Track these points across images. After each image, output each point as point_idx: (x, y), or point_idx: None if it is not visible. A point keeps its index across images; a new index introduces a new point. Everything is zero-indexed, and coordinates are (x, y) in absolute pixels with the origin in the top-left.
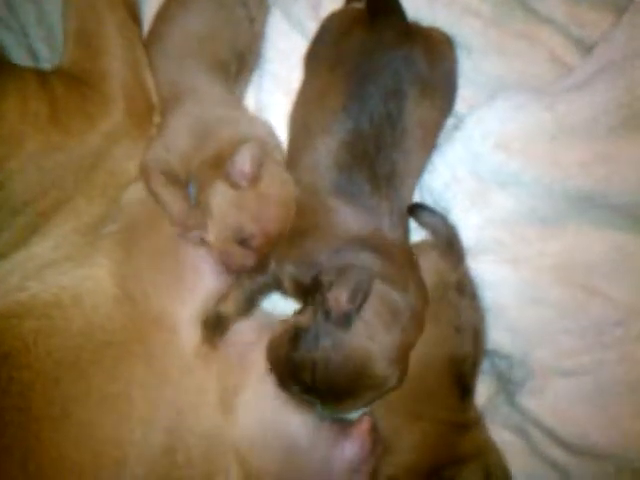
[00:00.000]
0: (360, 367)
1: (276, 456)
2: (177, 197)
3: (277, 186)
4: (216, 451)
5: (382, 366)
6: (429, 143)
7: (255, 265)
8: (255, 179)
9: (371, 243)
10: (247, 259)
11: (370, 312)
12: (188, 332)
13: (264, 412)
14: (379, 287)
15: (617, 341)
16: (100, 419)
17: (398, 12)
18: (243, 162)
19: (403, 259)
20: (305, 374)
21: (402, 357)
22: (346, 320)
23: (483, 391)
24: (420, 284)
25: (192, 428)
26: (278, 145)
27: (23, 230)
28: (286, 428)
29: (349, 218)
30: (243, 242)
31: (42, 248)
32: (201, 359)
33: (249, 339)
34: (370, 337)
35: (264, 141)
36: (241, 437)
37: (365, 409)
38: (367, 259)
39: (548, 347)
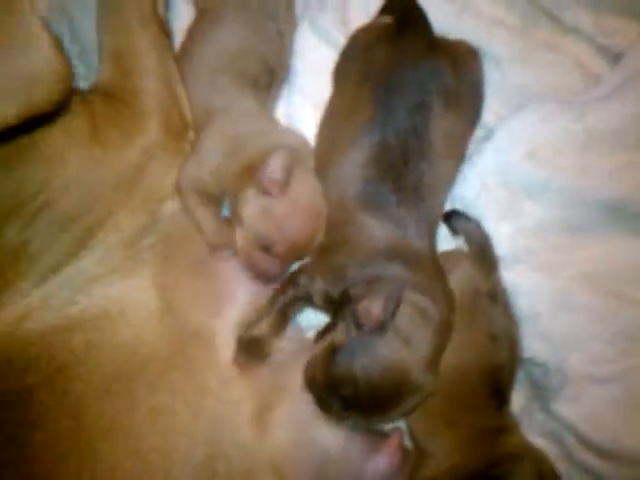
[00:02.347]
0: (399, 376)
1: (310, 470)
2: (209, 216)
3: (307, 194)
4: (254, 463)
5: (420, 372)
6: (456, 154)
7: (280, 274)
8: (284, 185)
9: (398, 254)
10: (270, 265)
11: (403, 320)
12: (225, 345)
13: (298, 427)
14: (409, 295)
15: None
16: (147, 430)
17: (425, 25)
18: (273, 169)
19: (430, 268)
20: (347, 390)
21: (436, 362)
22: (380, 330)
23: (517, 399)
24: (447, 293)
25: (231, 439)
26: (310, 155)
27: (71, 246)
28: (319, 443)
29: (376, 231)
30: (267, 249)
31: (88, 262)
32: (238, 372)
33: (283, 353)
34: (406, 345)
35: (295, 149)
36: (276, 451)
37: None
38: (395, 270)
39: (581, 354)
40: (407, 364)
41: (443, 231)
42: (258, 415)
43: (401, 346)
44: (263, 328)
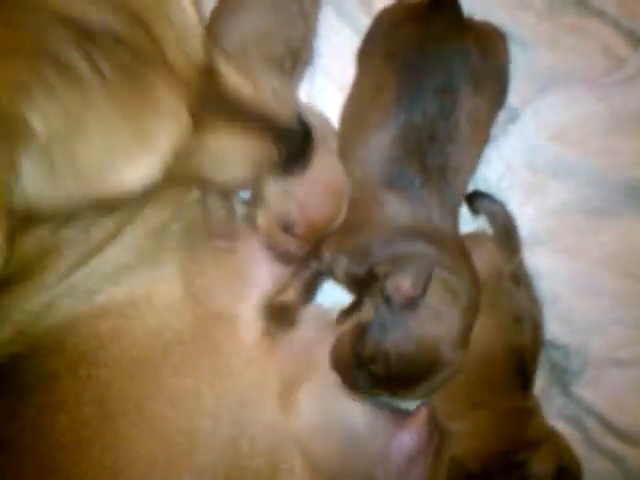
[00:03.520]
0: (431, 351)
1: (336, 446)
2: (218, 207)
3: (328, 174)
4: (279, 441)
5: (450, 349)
6: (481, 136)
7: (303, 254)
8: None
9: (423, 234)
10: (291, 245)
11: (433, 297)
12: (248, 326)
13: (324, 404)
14: (438, 272)
15: None
16: (171, 413)
17: (455, 6)
18: None
19: (455, 249)
20: (378, 367)
21: (465, 340)
22: (410, 306)
23: (537, 383)
24: (473, 273)
25: (255, 419)
26: (333, 135)
27: (100, 240)
28: (346, 419)
29: (400, 210)
30: (288, 229)
31: (115, 253)
32: (262, 352)
33: (307, 333)
34: (437, 321)
35: (317, 130)
36: (302, 428)
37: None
38: (421, 248)
39: (603, 337)
40: (438, 340)
41: (464, 212)
42: (282, 394)
43: (432, 322)
44: (290, 295)
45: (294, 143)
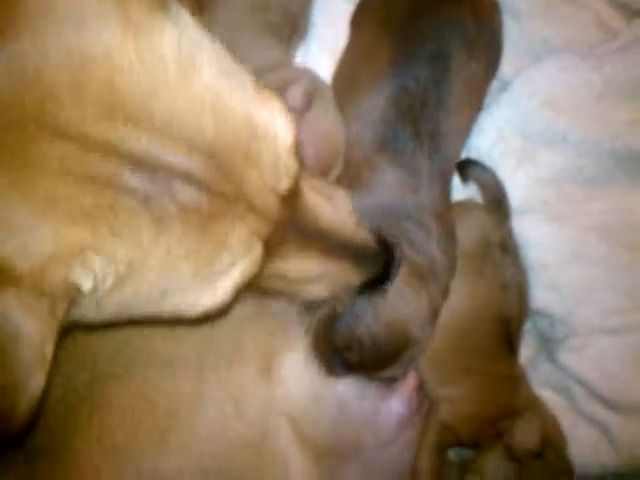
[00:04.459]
0: (400, 333)
1: (325, 413)
2: None
3: (326, 121)
4: (265, 409)
5: (418, 328)
6: (474, 104)
7: None
8: (304, 110)
9: (407, 209)
10: None
11: (401, 280)
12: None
13: (310, 372)
14: (409, 253)
15: None
16: (158, 376)
17: None
18: (294, 94)
19: (437, 226)
20: (351, 353)
21: (433, 319)
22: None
23: (524, 351)
24: (450, 254)
25: (239, 385)
26: (330, 91)
27: None
28: (333, 386)
29: (390, 177)
30: None
31: None
32: (245, 321)
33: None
34: (404, 303)
35: (316, 81)
36: (288, 396)
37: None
38: (401, 223)
39: (592, 305)
40: (408, 321)
41: (455, 181)
42: (266, 362)
43: (401, 305)
44: None
45: (374, 265)
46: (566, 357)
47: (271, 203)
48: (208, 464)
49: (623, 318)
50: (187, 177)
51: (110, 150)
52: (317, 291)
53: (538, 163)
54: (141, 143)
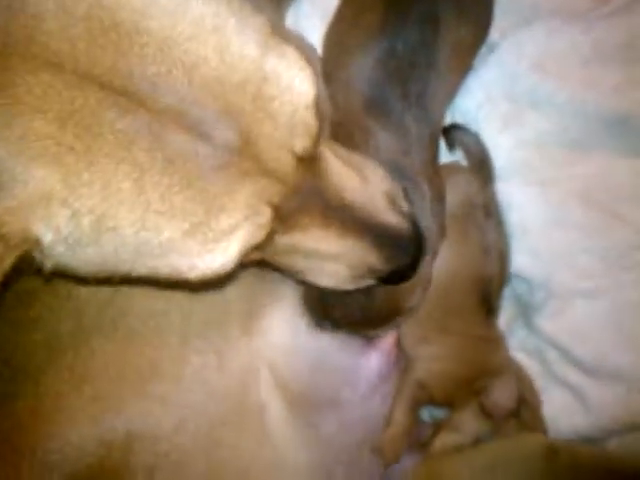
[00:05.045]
0: (391, 300)
1: (304, 365)
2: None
3: None
4: (246, 360)
5: (408, 297)
6: (462, 67)
7: None
8: None
9: (402, 168)
10: None
11: None
12: None
13: (290, 324)
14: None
15: (636, 264)
16: (142, 329)
17: None
18: None
19: (428, 188)
20: (343, 313)
21: (426, 286)
22: None
23: (501, 318)
24: (440, 217)
25: (222, 336)
26: (318, 61)
27: None
28: (314, 338)
29: (380, 139)
30: None
31: None
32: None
33: None
34: None
35: (304, 51)
36: (269, 347)
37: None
38: (402, 183)
39: (569, 269)
40: (403, 290)
41: (442, 147)
42: (248, 314)
43: None
44: None
45: (405, 254)
46: (542, 321)
47: (285, 163)
48: (189, 414)
49: (596, 281)
50: (182, 120)
51: (97, 82)
52: (338, 275)
53: (523, 126)
54: (133, 76)
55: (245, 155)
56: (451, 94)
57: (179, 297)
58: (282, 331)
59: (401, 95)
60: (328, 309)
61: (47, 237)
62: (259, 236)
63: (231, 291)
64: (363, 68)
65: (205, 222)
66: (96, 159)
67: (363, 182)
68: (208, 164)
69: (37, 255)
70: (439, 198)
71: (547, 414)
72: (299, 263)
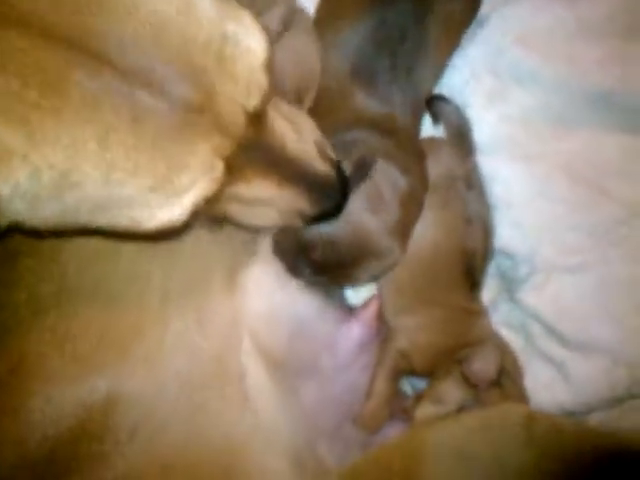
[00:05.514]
0: (364, 239)
1: (284, 330)
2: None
3: (300, 47)
4: (227, 323)
5: (384, 238)
6: (452, 44)
7: None
8: (278, 35)
9: (382, 126)
10: None
11: (372, 188)
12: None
13: (270, 288)
14: (382, 165)
15: (622, 240)
16: (124, 290)
17: None
18: (270, 20)
19: (410, 146)
20: (315, 253)
21: (403, 232)
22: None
23: (485, 294)
24: (423, 173)
25: (202, 298)
26: (311, 21)
27: None
28: (293, 304)
29: (364, 102)
30: None
31: None
32: (208, 237)
33: None
34: (372, 211)
35: (297, 11)
36: (249, 311)
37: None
38: (375, 139)
39: (554, 244)
40: (372, 228)
41: (427, 121)
42: (228, 278)
43: (368, 211)
44: None
45: (330, 199)
46: (526, 295)
47: (238, 121)
48: (170, 377)
49: (581, 257)
50: (148, 79)
51: (65, 42)
52: (270, 218)
53: (508, 101)
54: (101, 35)
55: (205, 113)
56: (439, 70)
57: (161, 261)
58: (261, 296)
59: (389, 66)
60: (300, 251)
61: (4, 192)
62: (212, 189)
63: (211, 256)
64: (353, 37)
65: (167, 178)
66: (62, 118)
67: (298, 134)
68: (171, 122)
69: None
70: (420, 156)
71: (530, 389)
72: (236, 211)
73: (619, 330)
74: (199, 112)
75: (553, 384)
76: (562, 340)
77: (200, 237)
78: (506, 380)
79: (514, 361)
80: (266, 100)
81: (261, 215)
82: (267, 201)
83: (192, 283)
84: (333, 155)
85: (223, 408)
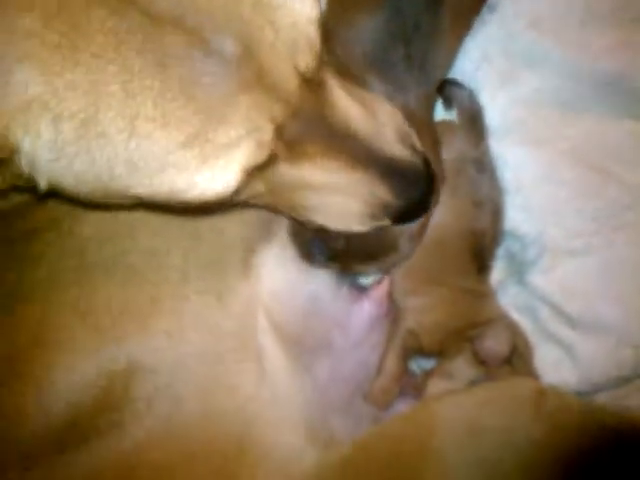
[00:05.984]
0: (391, 242)
1: (298, 307)
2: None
3: None
4: (244, 302)
5: (405, 239)
6: (464, 30)
7: None
8: None
9: None
10: None
11: None
12: None
13: (287, 270)
14: None
15: (627, 224)
16: (142, 266)
17: None
18: None
19: (427, 133)
20: (337, 242)
21: (421, 229)
22: None
23: (494, 275)
24: (439, 160)
25: (220, 279)
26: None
27: None
28: (308, 284)
29: (379, 91)
30: None
31: None
32: (226, 216)
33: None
34: None
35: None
36: (264, 290)
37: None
38: None
39: (560, 227)
40: (398, 232)
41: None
42: (247, 254)
43: None
44: None
45: (416, 189)
46: (534, 277)
47: (287, 79)
48: (188, 350)
49: (586, 240)
50: (177, 24)
51: None
52: (349, 210)
53: (519, 84)
54: None
55: (245, 65)
56: (452, 57)
57: (179, 239)
58: (277, 275)
59: (404, 55)
60: (316, 237)
61: (26, 143)
62: (261, 155)
63: (229, 233)
64: (368, 28)
65: (202, 133)
66: (83, 59)
67: (370, 114)
68: (205, 72)
69: (24, 166)
70: (435, 143)
71: (538, 370)
72: (308, 200)
73: (625, 311)
74: (237, 64)
75: (561, 365)
76: (570, 321)
77: (217, 217)
78: (517, 359)
79: (525, 341)
80: (319, 61)
81: (339, 209)
82: (339, 188)
83: (210, 262)
84: (420, 146)
85: (239, 383)
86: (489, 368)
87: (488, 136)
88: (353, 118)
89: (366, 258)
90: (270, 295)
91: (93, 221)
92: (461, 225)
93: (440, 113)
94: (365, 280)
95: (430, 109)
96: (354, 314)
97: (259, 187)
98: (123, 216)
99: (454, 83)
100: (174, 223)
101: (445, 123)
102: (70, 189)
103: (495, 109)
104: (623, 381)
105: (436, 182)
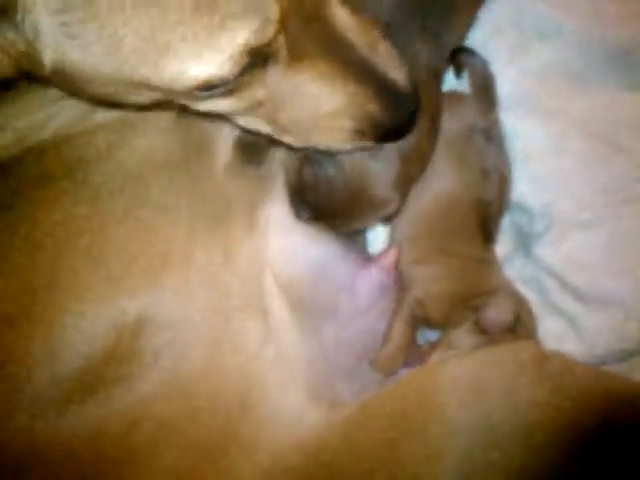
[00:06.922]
0: (360, 185)
1: (304, 269)
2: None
3: None
4: (250, 260)
5: (382, 187)
6: (477, 5)
7: None
8: None
9: None
10: None
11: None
12: (223, 153)
13: (290, 229)
14: None
15: (636, 197)
16: (153, 221)
17: None
18: None
19: (427, 103)
20: (310, 195)
21: (402, 185)
22: None
23: (501, 249)
24: (432, 130)
25: (226, 235)
26: None
27: None
28: (314, 245)
29: None
30: None
31: None
32: (232, 177)
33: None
34: (371, 161)
35: None
36: (270, 248)
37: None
38: None
39: (569, 199)
40: (370, 174)
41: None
42: (252, 213)
43: (366, 161)
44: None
45: (405, 108)
46: (541, 249)
47: None
48: (195, 306)
49: (595, 212)
50: None
51: None
52: (340, 126)
53: (529, 56)
54: None
55: None
56: (465, 32)
57: (187, 196)
58: (281, 234)
59: (420, 27)
60: (302, 191)
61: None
62: (265, 34)
63: (231, 193)
64: (383, 3)
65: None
66: None
67: (369, 34)
68: None
69: (27, 28)
70: (434, 114)
71: (543, 343)
72: (303, 111)
73: (631, 285)
74: None
75: (565, 337)
76: (575, 294)
77: (223, 175)
78: (520, 329)
79: (529, 310)
80: None
81: (330, 123)
82: (334, 101)
83: (216, 220)
84: (406, 67)
85: (244, 341)
86: (491, 337)
87: (498, 107)
88: (351, 28)
89: (346, 210)
90: (275, 254)
91: (105, 171)
92: (468, 194)
93: (450, 82)
94: (372, 248)
95: (438, 82)
96: (361, 281)
97: (259, 93)
98: (135, 169)
99: (467, 50)
100: (182, 179)
101: (456, 92)
102: (76, 69)
103: (506, 81)
104: (628, 354)
105: (419, 100)
